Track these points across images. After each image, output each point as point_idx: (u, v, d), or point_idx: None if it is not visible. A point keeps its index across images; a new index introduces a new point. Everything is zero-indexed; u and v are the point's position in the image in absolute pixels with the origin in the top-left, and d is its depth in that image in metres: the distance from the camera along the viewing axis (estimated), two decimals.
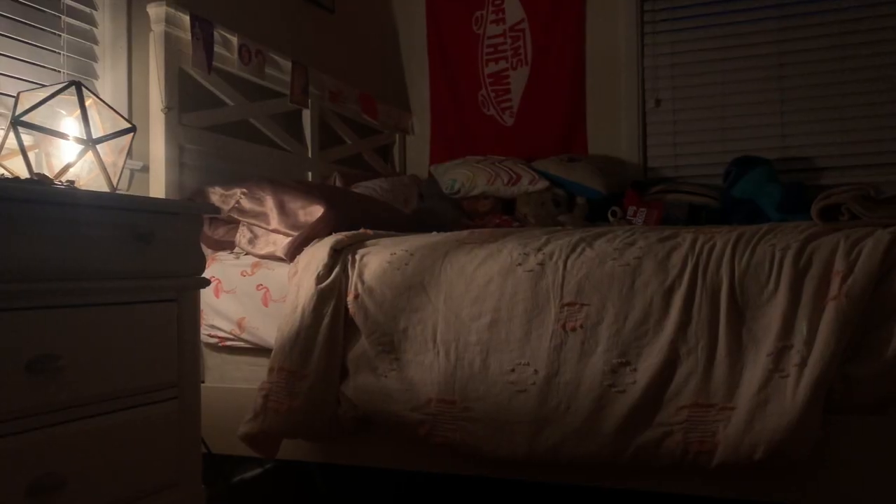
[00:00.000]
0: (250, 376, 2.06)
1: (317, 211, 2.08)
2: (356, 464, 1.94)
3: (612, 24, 3.33)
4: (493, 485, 2.00)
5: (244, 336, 2.03)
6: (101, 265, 1.38)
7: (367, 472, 2.04)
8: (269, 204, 2.13)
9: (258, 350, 2.04)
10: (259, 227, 2.14)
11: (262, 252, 2.09)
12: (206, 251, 2.20)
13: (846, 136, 2.99)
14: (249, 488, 2.34)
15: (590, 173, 2.99)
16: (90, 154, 1.67)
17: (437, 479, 2.08)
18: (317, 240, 2.01)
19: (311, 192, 2.20)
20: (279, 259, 2.06)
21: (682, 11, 3.24)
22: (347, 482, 2.27)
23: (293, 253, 2.03)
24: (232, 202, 2.17)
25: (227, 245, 2.23)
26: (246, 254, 2.16)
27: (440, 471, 1.85)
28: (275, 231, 2.10)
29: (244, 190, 2.18)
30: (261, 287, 2.03)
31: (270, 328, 1.96)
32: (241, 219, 2.17)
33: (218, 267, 2.10)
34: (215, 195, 2.19)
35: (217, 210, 2.15)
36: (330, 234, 2.06)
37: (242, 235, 2.16)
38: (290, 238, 2.05)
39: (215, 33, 2.36)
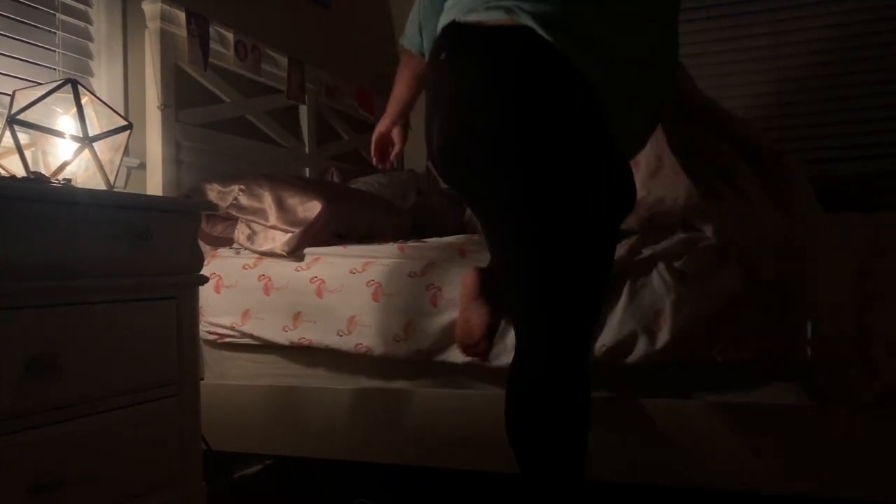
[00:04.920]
0: (250, 373, 2.06)
1: (315, 207, 2.08)
2: (355, 459, 1.94)
3: None
4: (494, 479, 2.00)
5: (245, 329, 2.02)
6: (99, 263, 1.38)
7: (367, 468, 2.04)
8: (268, 200, 2.13)
9: (257, 347, 2.04)
10: (257, 223, 2.14)
11: (262, 249, 2.09)
12: (205, 248, 2.20)
13: (844, 128, 2.99)
14: (250, 485, 2.34)
15: None
16: (87, 152, 1.67)
17: (438, 474, 2.08)
18: None
19: (308, 188, 2.20)
20: (279, 256, 2.06)
21: None
22: (347, 478, 2.27)
23: (293, 249, 2.03)
24: (230, 199, 2.17)
25: (226, 242, 2.23)
26: (245, 250, 2.15)
27: (440, 465, 1.85)
28: (273, 227, 2.10)
29: (242, 187, 2.17)
30: (263, 277, 2.03)
31: (273, 318, 1.97)
32: (239, 216, 2.17)
33: (219, 263, 2.10)
34: (213, 192, 2.19)
35: (214, 207, 2.15)
36: (329, 229, 2.06)
37: (241, 232, 2.16)
38: (289, 235, 2.05)
39: (211, 29, 2.35)
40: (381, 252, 1.97)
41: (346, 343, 1.90)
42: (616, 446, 1.65)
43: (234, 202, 2.16)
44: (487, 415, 1.75)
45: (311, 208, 2.08)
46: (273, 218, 2.10)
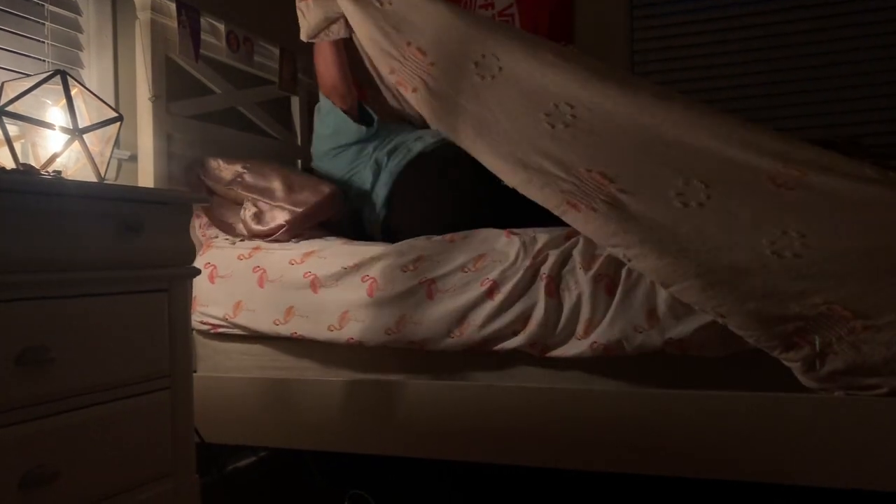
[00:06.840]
0: (242, 365, 2.06)
1: (325, 188, 2.09)
2: (349, 451, 1.94)
3: (602, 8, 3.32)
4: (487, 470, 2.01)
5: (236, 321, 2.02)
6: (89, 256, 1.37)
7: (361, 459, 2.05)
8: (275, 179, 2.13)
9: (250, 337, 2.04)
10: (263, 202, 2.14)
11: (269, 227, 2.08)
12: (200, 238, 2.19)
13: (836, 118, 3.00)
14: (243, 477, 2.34)
15: None
16: (77, 144, 1.66)
17: (431, 465, 2.09)
18: None
19: (310, 174, 2.24)
20: (281, 240, 2.06)
21: None
22: (341, 470, 2.28)
23: (296, 228, 2.04)
24: (232, 173, 2.17)
25: (229, 227, 2.21)
26: (243, 239, 2.14)
27: (433, 457, 1.86)
28: (279, 206, 2.10)
29: (247, 165, 2.18)
30: (257, 269, 2.02)
31: (265, 311, 1.97)
32: (244, 193, 2.16)
33: (214, 253, 2.09)
34: (216, 164, 2.18)
35: (207, 200, 2.14)
36: (334, 213, 2.06)
37: (247, 210, 2.14)
38: (293, 214, 2.05)
39: (202, 20, 2.34)
40: (376, 251, 1.96)
41: (338, 337, 1.90)
42: (612, 438, 1.66)
43: (239, 179, 2.16)
44: (479, 406, 1.76)
45: (321, 190, 2.10)
46: (280, 196, 2.10)
